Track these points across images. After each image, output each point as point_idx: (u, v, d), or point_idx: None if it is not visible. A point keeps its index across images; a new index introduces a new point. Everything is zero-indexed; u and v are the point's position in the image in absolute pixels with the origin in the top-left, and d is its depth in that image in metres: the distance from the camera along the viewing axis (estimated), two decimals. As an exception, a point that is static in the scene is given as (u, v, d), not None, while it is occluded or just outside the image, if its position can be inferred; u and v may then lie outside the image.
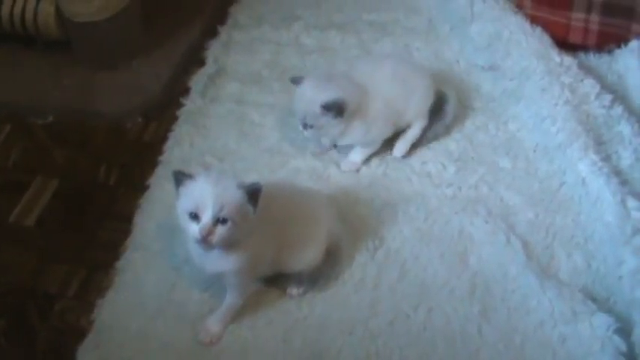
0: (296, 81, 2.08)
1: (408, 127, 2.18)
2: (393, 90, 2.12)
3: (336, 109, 2.01)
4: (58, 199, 2.16)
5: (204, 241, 1.59)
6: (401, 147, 2.17)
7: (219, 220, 1.58)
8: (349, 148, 2.17)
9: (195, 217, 1.59)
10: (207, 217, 1.58)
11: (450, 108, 2.21)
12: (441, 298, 1.87)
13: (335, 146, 2.19)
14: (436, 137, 2.21)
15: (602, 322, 1.76)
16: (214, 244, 1.60)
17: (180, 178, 1.64)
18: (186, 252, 1.89)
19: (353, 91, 2.06)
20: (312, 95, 2.03)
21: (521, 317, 1.83)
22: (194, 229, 1.59)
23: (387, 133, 2.15)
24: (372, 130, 2.11)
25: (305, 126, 2.06)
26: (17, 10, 2.42)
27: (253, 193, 1.62)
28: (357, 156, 2.16)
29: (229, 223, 1.59)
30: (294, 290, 1.86)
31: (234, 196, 1.60)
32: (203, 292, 1.88)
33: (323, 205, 1.89)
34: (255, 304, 1.85)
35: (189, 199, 1.61)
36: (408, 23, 2.63)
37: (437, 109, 2.20)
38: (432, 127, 2.20)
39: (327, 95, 2.01)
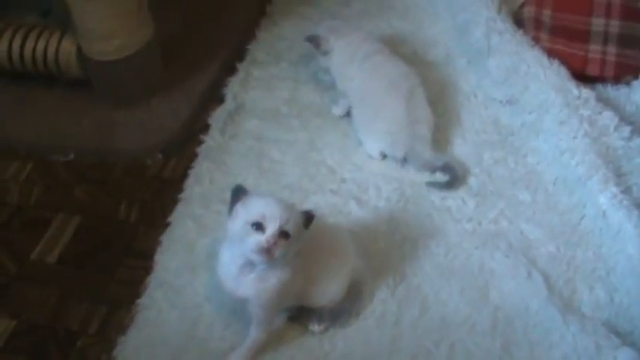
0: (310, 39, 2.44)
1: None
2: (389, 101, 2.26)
3: (313, 42, 2.40)
4: (79, 236, 2.17)
5: (268, 251, 1.63)
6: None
7: (282, 233, 1.63)
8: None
9: (258, 227, 1.63)
10: (273, 227, 1.63)
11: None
12: (462, 333, 1.86)
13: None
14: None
15: (626, 356, 1.74)
16: (275, 256, 1.64)
17: (239, 193, 1.70)
18: (208, 290, 1.91)
19: (335, 32, 2.40)
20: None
21: (543, 352, 1.81)
22: (258, 239, 1.63)
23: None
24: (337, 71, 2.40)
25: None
26: (39, 49, 2.45)
27: (308, 218, 1.70)
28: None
29: (290, 239, 1.65)
30: (315, 326, 1.86)
31: (297, 214, 1.68)
32: (225, 330, 1.88)
33: (348, 241, 1.90)
34: (277, 341, 1.84)
35: (255, 211, 1.65)
36: (426, 57, 2.64)
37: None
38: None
39: (313, 30, 2.46)
